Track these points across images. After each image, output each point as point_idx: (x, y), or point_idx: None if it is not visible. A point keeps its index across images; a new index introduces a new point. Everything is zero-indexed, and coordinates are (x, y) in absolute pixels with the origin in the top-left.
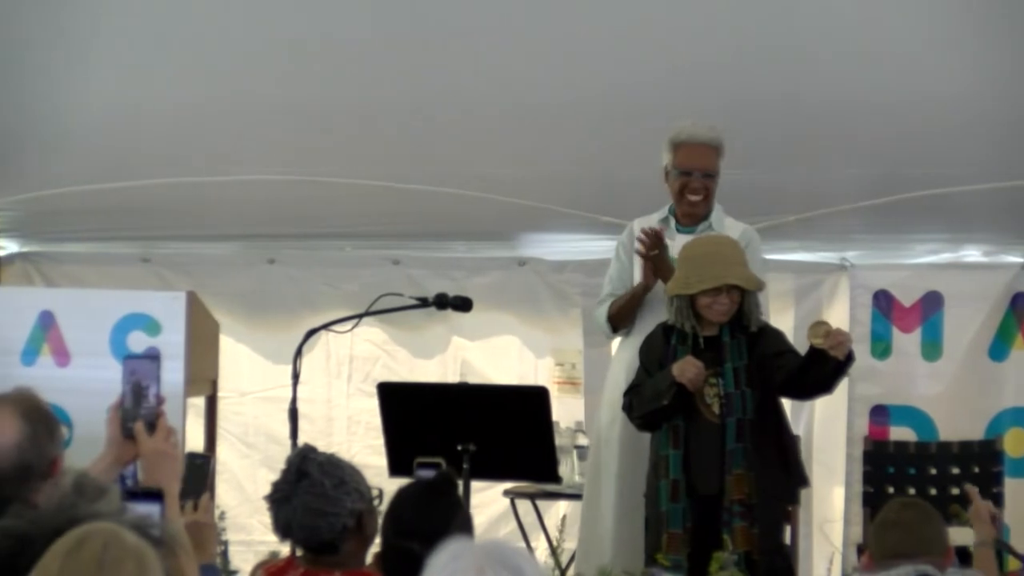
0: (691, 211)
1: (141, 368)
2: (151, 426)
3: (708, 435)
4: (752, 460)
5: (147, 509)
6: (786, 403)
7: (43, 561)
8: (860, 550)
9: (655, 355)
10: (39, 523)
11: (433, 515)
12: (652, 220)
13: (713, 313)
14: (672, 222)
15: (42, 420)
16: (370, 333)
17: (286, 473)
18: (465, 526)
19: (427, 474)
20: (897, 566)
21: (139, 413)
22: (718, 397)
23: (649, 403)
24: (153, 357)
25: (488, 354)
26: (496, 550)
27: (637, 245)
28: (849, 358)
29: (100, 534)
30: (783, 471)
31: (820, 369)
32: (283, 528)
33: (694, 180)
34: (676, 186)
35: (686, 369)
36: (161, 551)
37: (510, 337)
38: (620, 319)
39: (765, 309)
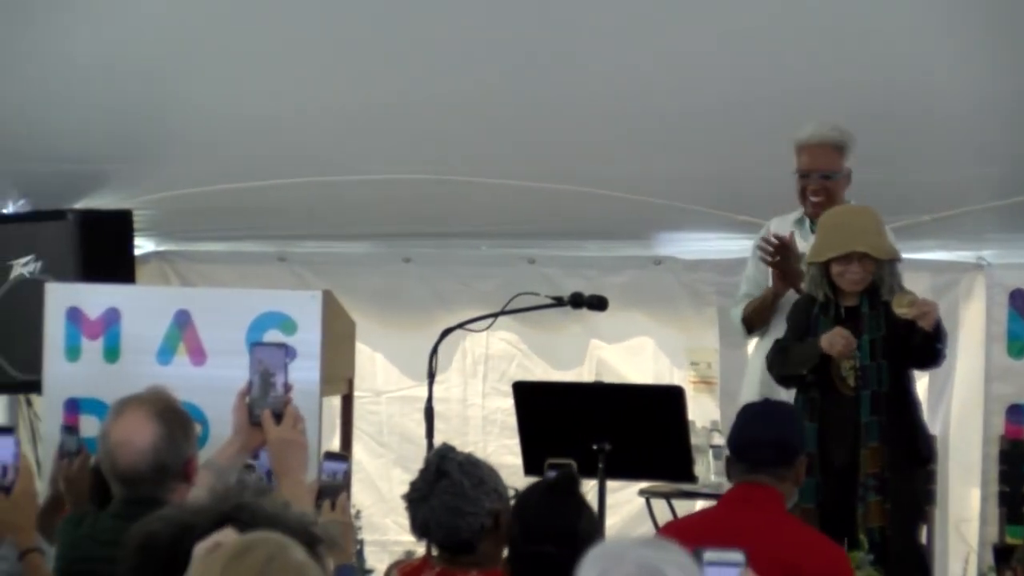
0: (815, 212)
1: (268, 356)
2: (278, 415)
3: (843, 408)
4: (887, 433)
5: None
6: (922, 401)
7: (205, 560)
8: (996, 550)
9: (801, 319)
10: (201, 512)
11: (561, 515)
12: (788, 220)
13: (845, 282)
14: (807, 222)
15: (177, 420)
16: (505, 332)
17: (425, 472)
18: (591, 523)
19: (548, 475)
20: None
21: (266, 402)
22: (854, 369)
23: (792, 367)
24: (280, 345)
25: (623, 353)
26: (647, 566)
27: (759, 253)
28: (938, 329)
29: (266, 545)
30: (913, 444)
31: (912, 340)
32: (421, 527)
33: (812, 182)
34: (799, 188)
35: (835, 342)
36: (322, 558)
37: (645, 336)
38: (754, 321)
39: None
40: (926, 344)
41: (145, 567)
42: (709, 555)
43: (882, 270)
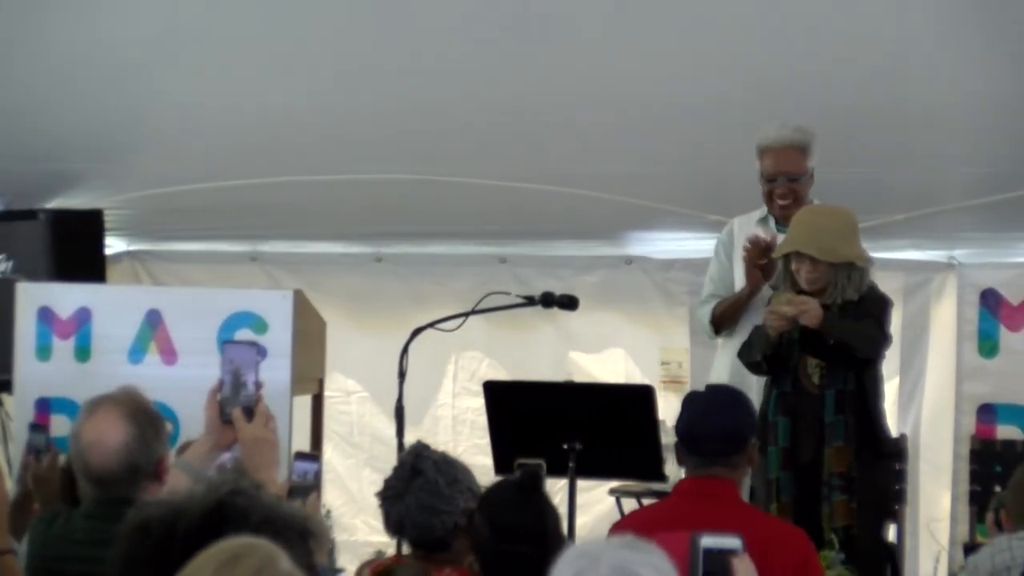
0: (782, 214)
1: (240, 355)
2: (249, 412)
3: (809, 405)
4: (851, 433)
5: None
6: (892, 402)
7: (195, 563)
8: (967, 549)
9: None
10: (197, 498)
11: (531, 514)
12: (752, 219)
13: (800, 279)
14: (771, 220)
15: (148, 420)
16: (477, 332)
17: (399, 470)
18: (557, 522)
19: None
20: None
21: (238, 400)
22: (819, 367)
23: (752, 353)
24: (252, 344)
25: (595, 352)
26: (622, 568)
27: (744, 254)
28: (831, 327)
29: (257, 554)
30: (875, 441)
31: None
32: (395, 525)
33: (779, 185)
34: (765, 191)
35: (767, 321)
36: (313, 552)
37: (616, 335)
38: (724, 321)
39: None
40: (831, 343)
41: (138, 552)
42: (706, 540)
43: (837, 273)
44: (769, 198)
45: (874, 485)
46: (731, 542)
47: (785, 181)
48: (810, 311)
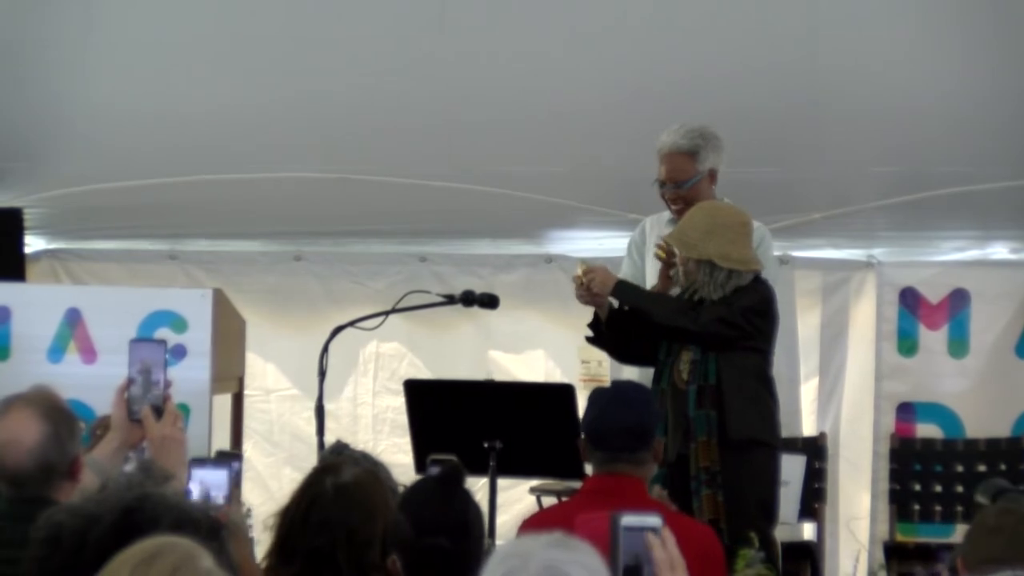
0: (680, 218)
1: (148, 353)
2: (158, 411)
3: (677, 401)
4: (714, 427)
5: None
6: (812, 400)
7: (112, 565)
8: (886, 548)
9: None
10: (106, 502)
11: (452, 509)
12: (663, 219)
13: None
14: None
15: (63, 419)
16: (396, 330)
17: None
18: (479, 516)
19: (432, 470)
20: (994, 572)
21: (147, 398)
22: (688, 363)
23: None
24: (160, 341)
25: (514, 351)
26: (552, 567)
27: (656, 251)
28: (618, 292)
29: (174, 552)
30: (726, 436)
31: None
32: None
33: (667, 191)
34: (659, 195)
35: (575, 293)
36: (226, 542)
37: (536, 334)
38: None
39: (791, 306)
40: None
41: (51, 559)
42: (627, 520)
43: (699, 268)
44: (665, 202)
45: (735, 479)
46: (652, 520)
47: (672, 188)
48: (596, 277)
